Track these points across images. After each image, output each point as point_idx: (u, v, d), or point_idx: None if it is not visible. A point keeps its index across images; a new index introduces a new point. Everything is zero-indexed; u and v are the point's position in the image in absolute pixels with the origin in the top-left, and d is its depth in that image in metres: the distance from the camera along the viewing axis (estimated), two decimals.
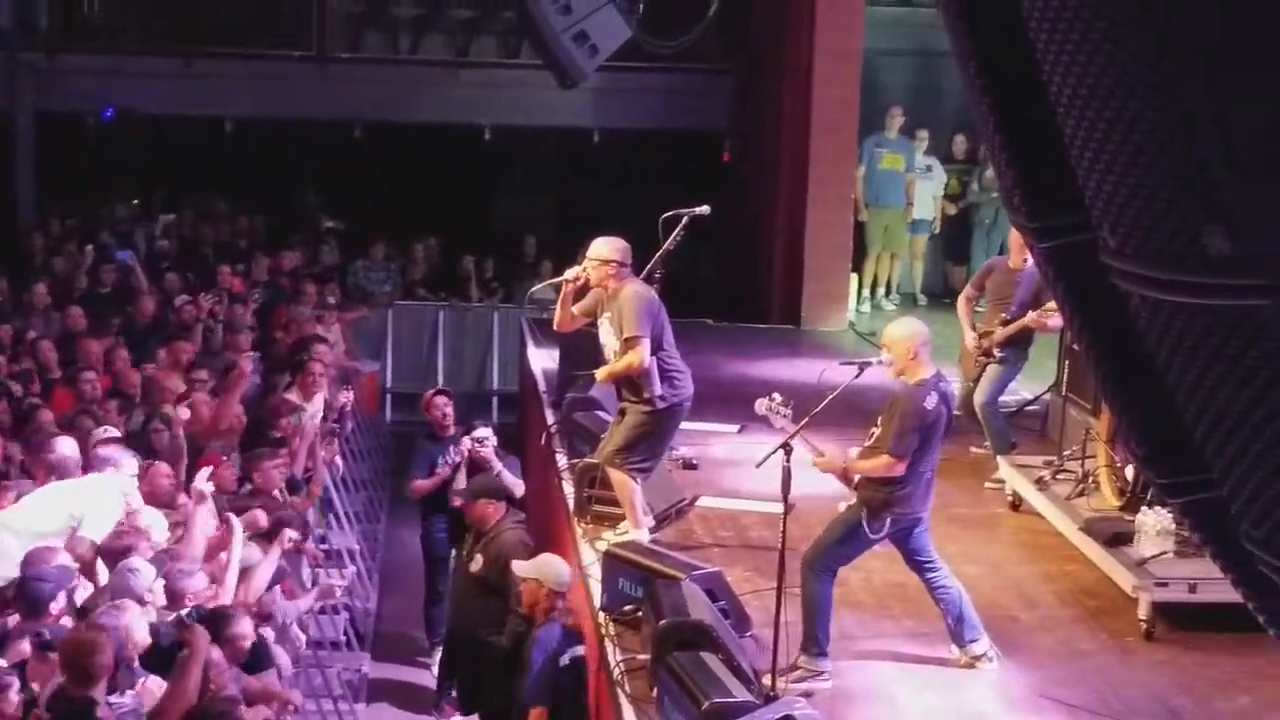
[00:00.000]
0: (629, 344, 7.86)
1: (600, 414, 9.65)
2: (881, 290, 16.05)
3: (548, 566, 7.76)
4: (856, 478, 7.01)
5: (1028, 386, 11.32)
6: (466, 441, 10.17)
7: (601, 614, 7.44)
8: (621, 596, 7.38)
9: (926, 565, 7.14)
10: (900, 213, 15.83)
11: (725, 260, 16.94)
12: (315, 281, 15.03)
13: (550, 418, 10.69)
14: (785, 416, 7.06)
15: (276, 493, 9.11)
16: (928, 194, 15.95)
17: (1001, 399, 10.27)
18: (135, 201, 17.76)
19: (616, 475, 8.10)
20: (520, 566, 7.90)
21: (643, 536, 8.04)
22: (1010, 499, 9.49)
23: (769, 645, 6.69)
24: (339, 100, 17.70)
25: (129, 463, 8.12)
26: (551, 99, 16.12)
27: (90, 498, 7.74)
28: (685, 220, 8.79)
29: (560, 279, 8.27)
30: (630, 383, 8.03)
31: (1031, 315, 9.72)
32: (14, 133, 17.55)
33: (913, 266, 16.30)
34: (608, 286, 8.02)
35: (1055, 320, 9.53)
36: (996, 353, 9.99)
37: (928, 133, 15.97)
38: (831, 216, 15.16)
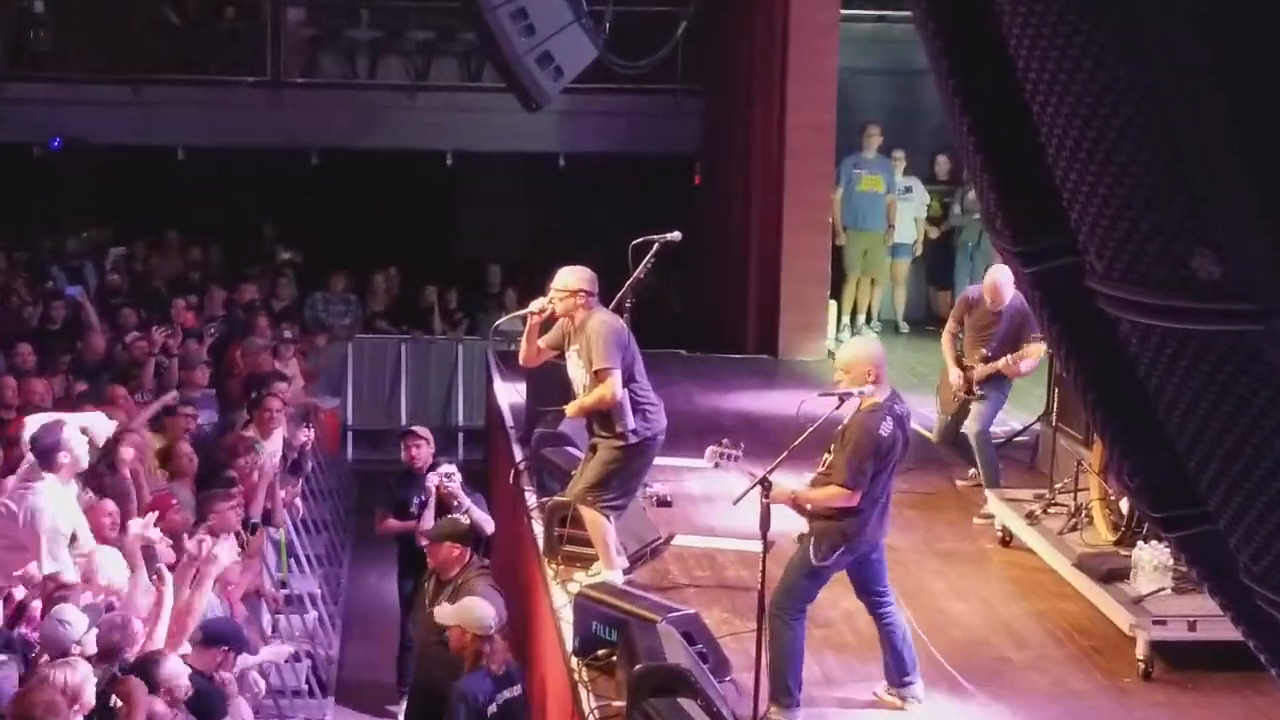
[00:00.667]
0: (599, 377, 7.83)
1: (570, 450, 9.61)
2: (862, 317, 16.06)
3: (469, 611, 7.74)
4: (809, 505, 6.96)
5: (1017, 416, 11.34)
6: (434, 477, 10.09)
7: (574, 659, 7.40)
8: (595, 640, 7.34)
9: (877, 594, 7.12)
10: (880, 236, 15.85)
11: (698, 288, 16.94)
12: (272, 315, 14.97)
13: (518, 454, 10.64)
14: (735, 459, 7.05)
15: (235, 536, 9.03)
16: (909, 216, 15.97)
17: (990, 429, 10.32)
18: (85, 234, 17.69)
19: (588, 514, 8.07)
20: (442, 613, 7.86)
21: (616, 577, 8.00)
22: (1000, 534, 9.48)
23: (749, 690, 6.64)
24: (294, 127, 17.66)
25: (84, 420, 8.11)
26: (515, 123, 16.11)
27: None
28: (656, 247, 8.77)
29: (525, 311, 8.23)
30: (601, 417, 8.00)
31: (1005, 360, 9.92)
32: None
33: (894, 292, 16.30)
34: (575, 317, 7.99)
35: (1027, 364, 9.88)
36: (977, 390, 10.10)
37: (904, 153, 16.00)
38: (808, 241, 15.18)
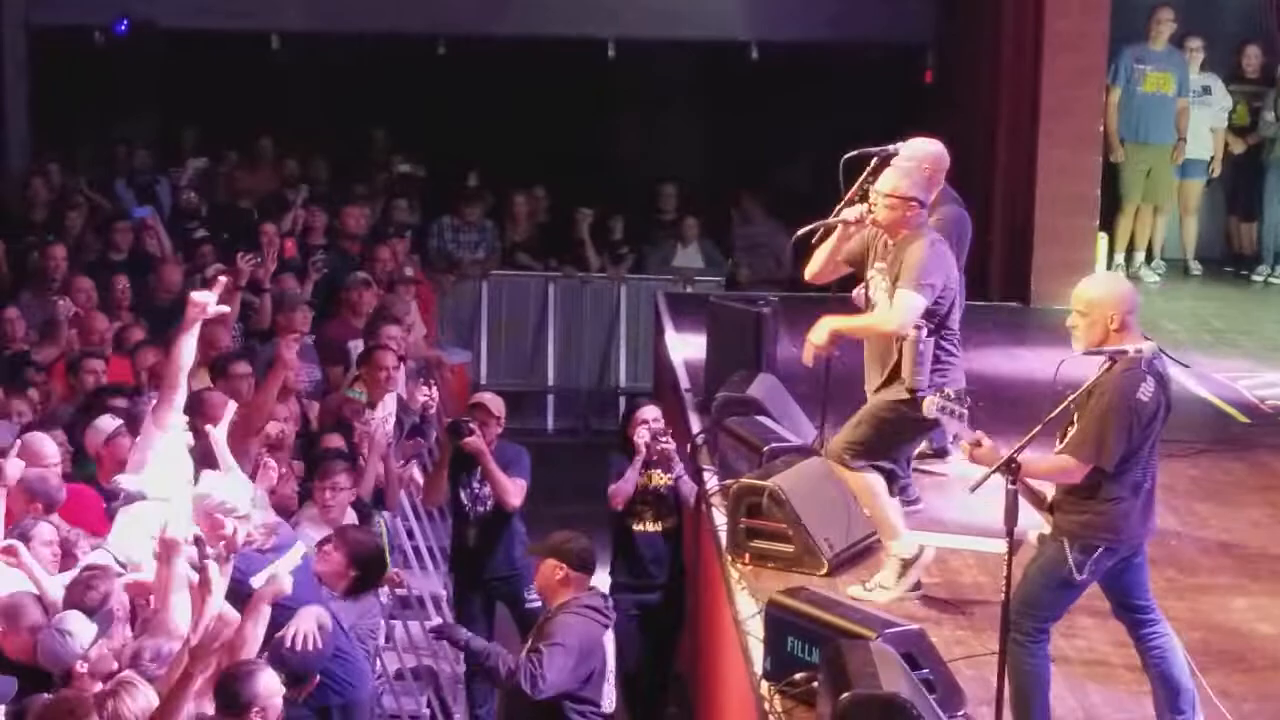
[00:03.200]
0: (900, 297, 7.98)
1: (762, 420, 9.67)
2: (1140, 255, 15.87)
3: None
4: (1050, 495, 6.89)
5: None
6: (644, 433, 10.18)
7: (764, 683, 7.47)
8: (790, 661, 7.39)
9: (1141, 611, 7.05)
10: (1168, 150, 15.63)
11: None
12: (387, 246, 15.19)
13: (695, 424, 10.72)
14: (961, 418, 7.01)
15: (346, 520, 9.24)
16: (1205, 125, 15.73)
17: None
18: (157, 141, 18.08)
19: (854, 480, 8.28)
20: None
21: (907, 549, 8.22)
22: None
23: None
24: (417, 8, 17.86)
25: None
26: (694, 3, 16.14)
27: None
28: (874, 163, 8.76)
29: (835, 219, 8.42)
30: (884, 359, 8.15)
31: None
32: (0, 52, 17.94)
33: (1183, 223, 16.08)
34: (897, 233, 8.13)
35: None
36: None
37: (1201, 41, 15.72)
38: (1071, 157, 15.01)
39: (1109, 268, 15.53)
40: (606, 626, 8.35)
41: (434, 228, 17.18)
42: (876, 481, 8.27)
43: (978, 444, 6.89)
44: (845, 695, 6.34)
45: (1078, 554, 6.81)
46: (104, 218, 15.31)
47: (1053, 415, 6.73)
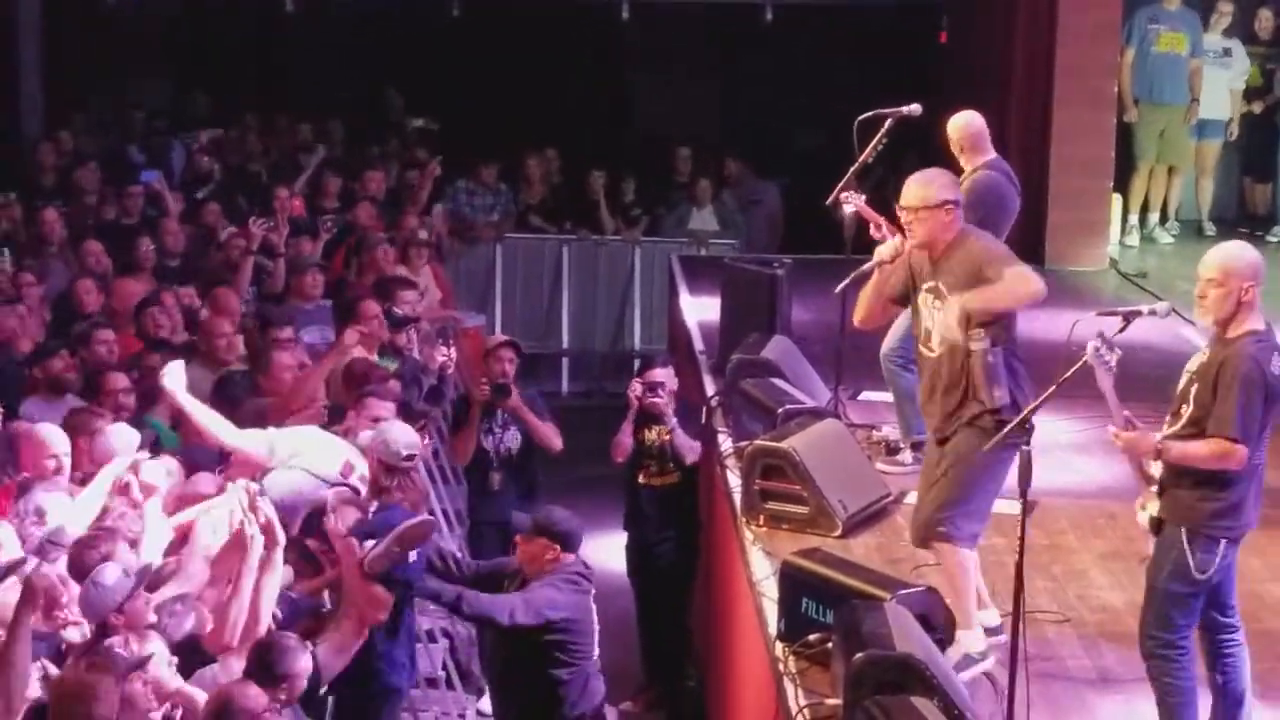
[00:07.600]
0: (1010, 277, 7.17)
1: (776, 382, 9.67)
2: (1154, 216, 15.85)
3: (380, 434, 8.35)
4: (1158, 476, 6.60)
5: None
6: (636, 387, 10.44)
7: (778, 644, 7.49)
8: (805, 622, 7.41)
9: (1225, 613, 6.75)
10: (1182, 111, 15.59)
11: None
12: (401, 208, 15.19)
13: (710, 387, 10.73)
14: (1110, 368, 6.52)
15: None
16: (1222, 86, 15.66)
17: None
18: (169, 103, 18.08)
19: (946, 554, 7.36)
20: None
21: (975, 643, 7.32)
22: None
23: (1003, 689, 6.68)
24: None
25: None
26: None
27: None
28: (889, 123, 8.74)
29: (874, 263, 7.68)
30: (950, 380, 7.30)
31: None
32: (14, 16, 17.92)
33: (1199, 184, 16.03)
34: (937, 247, 7.30)
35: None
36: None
37: (1233, 5, 15.63)
38: (1086, 117, 14.99)
39: (1123, 229, 15.55)
40: (587, 593, 8.42)
41: (448, 190, 17.18)
42: (970, 559, 7.33)
43: (1130, 426, 6.57)
44: (859, 656, 6.37)
45: (1202, 553, 6.53)
46: (116, 182, 15.33)
47: (1067, 376, 6.64)
